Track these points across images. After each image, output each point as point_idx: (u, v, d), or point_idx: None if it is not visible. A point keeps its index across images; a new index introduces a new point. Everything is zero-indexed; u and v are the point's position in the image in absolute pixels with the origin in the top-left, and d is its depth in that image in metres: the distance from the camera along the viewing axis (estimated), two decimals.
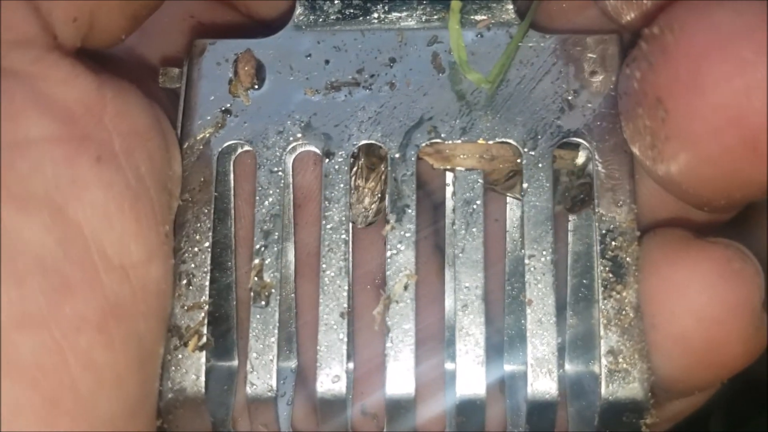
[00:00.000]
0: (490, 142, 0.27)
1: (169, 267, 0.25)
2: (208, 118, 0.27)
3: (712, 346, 0.24)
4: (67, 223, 0.22)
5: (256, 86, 0.27)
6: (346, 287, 0.26)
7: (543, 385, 0.25)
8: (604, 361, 0.25)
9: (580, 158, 0.28)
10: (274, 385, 0.26)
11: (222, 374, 0.29)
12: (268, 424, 0.27)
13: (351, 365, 0.30)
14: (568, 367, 0.27)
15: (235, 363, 0.30)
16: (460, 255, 0.26)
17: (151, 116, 0.25)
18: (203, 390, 0.26)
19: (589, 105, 0.26)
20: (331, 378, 0.26)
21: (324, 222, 0.27)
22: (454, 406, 0.26)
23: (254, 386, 0.26)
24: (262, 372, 0.26)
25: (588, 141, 0.26)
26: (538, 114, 0.26)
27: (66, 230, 0.22)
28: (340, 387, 0.26)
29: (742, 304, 0.24)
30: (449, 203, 0.28)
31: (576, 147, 0.27)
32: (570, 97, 0.27)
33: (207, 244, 0.27)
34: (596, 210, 0.26)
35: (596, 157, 0.26)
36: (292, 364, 0.30)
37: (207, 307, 0.27)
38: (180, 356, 0.26)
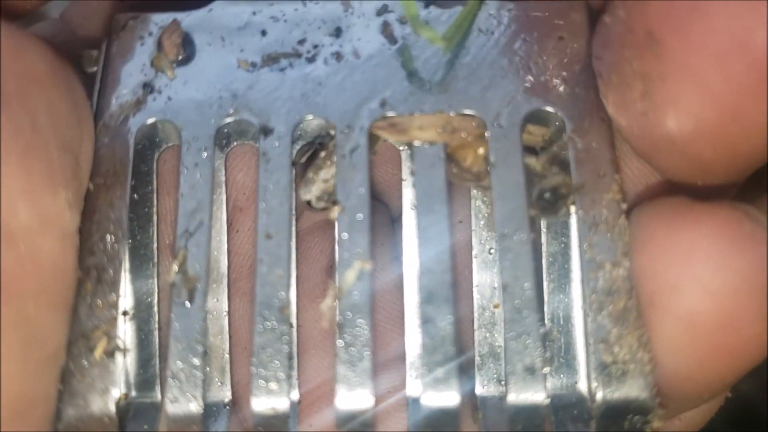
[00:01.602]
0: (451, 114, 0.23)
1: (71, 247, 0.21)
2: (127, 94, 0.24)
3: (724, 325, 0.20)
4: None
5: (182, 59, 0.24)
6: (287, 278, 0.22)
7: (525, 384, 0.21)
8: (597, 354, 0.21)
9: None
10: (200, 397, 0.21)
11: (141, 411, 0.24)
12: None
13: (295, 395, 0.25)
14: (550, 368, 0.23)
15: (158, 397, 0.25)
16: (424, 236, 0.22)
17: (54, 65, 0.21)
18: (113, 408, 0.21)
19: (558, 73, 0.24)
20: (270, 389, 0.21)
21: (262, 205, 0.23)
22: (420, 418, 0.21)
23: (176, 402, 0.21)
24: (186, 383, 0.21)
25: (559, 110, 0.23)
26: (503, 84, 0.24)
27: None
28: (282, 402, 0.21)
29: (757, 272, 0.20)
30: (407, 183, 0.25)
31: (545, 123, 0.24)
32: (536, 66, 0.24)
33: (121, 234, 0.22)
34: (574, 181, 0.23)
35: (570, 127, 0.23)
36: (226, 397, 0.25)
37: (120, 307, 0.22)
38: (85, 363, 0.21)
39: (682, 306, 0.20)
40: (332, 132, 0.24)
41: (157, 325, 0.25)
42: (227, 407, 0.25)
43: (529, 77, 0.24)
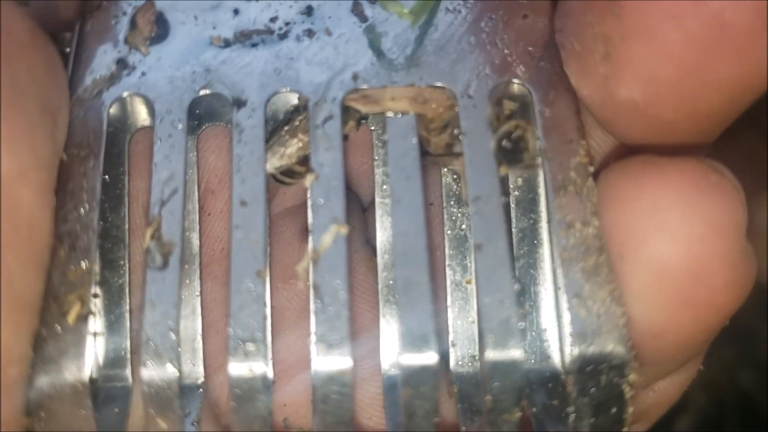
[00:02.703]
0: (422, 86, 0.24)
1: (48, 205, 0.21)
2: (101, 69, 0.24)
3: (693, 273, 0.21)
4: None
5: (156, 36, 0.24)
6: (262, 243, 0.22)
7: (503, 340, 0.21)
8: (571, 309, 0.21)
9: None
10: (176, 360, 0.21)
11: (112, 395, 0.23)
12: (171, 419, 0.21)
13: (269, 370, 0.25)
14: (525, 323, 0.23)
15: (129, 381, 0.24)
16: (399, 202, 0.23)
17: (34, 31, 0.21)
18: (86, 375, 0.21)
19: (524, 48, 0.24)
20: (248, 350, 0.21)
21: (236, 175, 0.23)
22: (400, 378, 0.21)
23: (151, 366, 0.21)
24: (161, 346, 0.21)
25: (526, 82, 0.24)
26: (471, 58, 0.24)
27: None
28: (259, 365, 0.21)
29: (724, 220, 0.20)
30: (377, 155, 0.25)
31: (512, 95, 0.25)
32: (502, 42, 0.25)
33: (95, 203, 0.22)
34: (542, 149, 0.23)
35: (536, 97, 0.24)
36: (198, 379, 0.25)
37: (95, 274, 0.22)
38: (58, 329, 0.21)
39: (650, 256, 0.21)
40: (303, 105, 0.24)
41: (128, 308, 0.25)
42: (200, 389, 0.25)
43: (496, 52, 0.24)
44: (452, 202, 0.26)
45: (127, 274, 0.25)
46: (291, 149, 0.24)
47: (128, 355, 0.25)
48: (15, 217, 0.19)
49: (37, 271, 0.20)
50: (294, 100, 0.24)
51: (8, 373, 0.19)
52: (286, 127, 0.24)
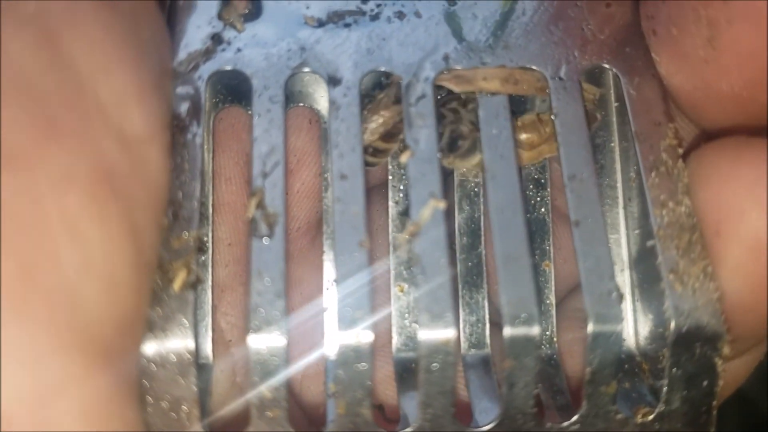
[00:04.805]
0: (513, 67, 0.24)
1: (169, 166, 0.21)
2: (196, 44, 0.24)
3: None
4: (57, 52, 0.17)
5: (249, 14, 0.25)
6: (363, 215, 0.22)
7: (605, 308, 0.21)
8: (669, 284, 0.22)
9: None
10: (285, 328, 0.21)
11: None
12: (275, 387, 0.21)
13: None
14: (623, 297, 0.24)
15: (209, 359, 0.25)
16: (494, 178, 0.23)
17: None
18: (192, 343, 0.21)
19: (609, 34, 0.25)
20: (355, 318, 0.21)
21: (334, 150, 0.23)
22: (506, 347, 0.22)
23: (259, 332, 0.21)
24: (270, 312, 0.21)
25: (613, 66, 0.25)
26: (560, 43, 0.25)
27: (56, 59, 0.17)
28: (367, 334, 0.21)
29: None
30: None
31: (600, 79, 0.25)
32: (588, 28, 0.25)
33: (198, 173, 0.23)
34: (634, 130, 0.24)
35: (624, 81, 0.24)
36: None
37: (197, 242, 0.22)
38: (164, 296, 0.21)
39: (747, 231, 0.21)
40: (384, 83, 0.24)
41: (210, 284, 0.25)
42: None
43: (583, 37, 0.25)
44: (531, 186, 0.27)
45: (210, 251, 0.25)
46: (373, 125, 0.24)
47: (209, 332, 0.25)
48: (145, 176, 0.19)
49: (158, 232, 0.20)
50: (385, 79, 0.24)
51: (136, 334, 0.19)
52: (369, 106, 0.24)
